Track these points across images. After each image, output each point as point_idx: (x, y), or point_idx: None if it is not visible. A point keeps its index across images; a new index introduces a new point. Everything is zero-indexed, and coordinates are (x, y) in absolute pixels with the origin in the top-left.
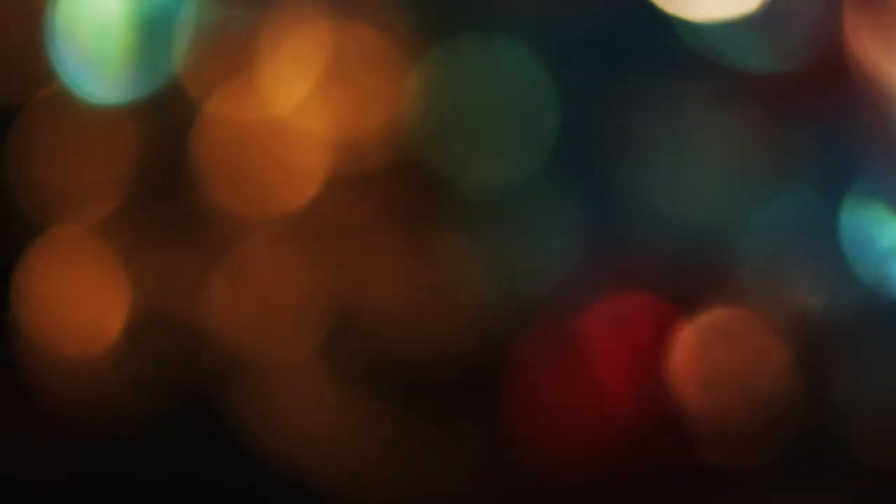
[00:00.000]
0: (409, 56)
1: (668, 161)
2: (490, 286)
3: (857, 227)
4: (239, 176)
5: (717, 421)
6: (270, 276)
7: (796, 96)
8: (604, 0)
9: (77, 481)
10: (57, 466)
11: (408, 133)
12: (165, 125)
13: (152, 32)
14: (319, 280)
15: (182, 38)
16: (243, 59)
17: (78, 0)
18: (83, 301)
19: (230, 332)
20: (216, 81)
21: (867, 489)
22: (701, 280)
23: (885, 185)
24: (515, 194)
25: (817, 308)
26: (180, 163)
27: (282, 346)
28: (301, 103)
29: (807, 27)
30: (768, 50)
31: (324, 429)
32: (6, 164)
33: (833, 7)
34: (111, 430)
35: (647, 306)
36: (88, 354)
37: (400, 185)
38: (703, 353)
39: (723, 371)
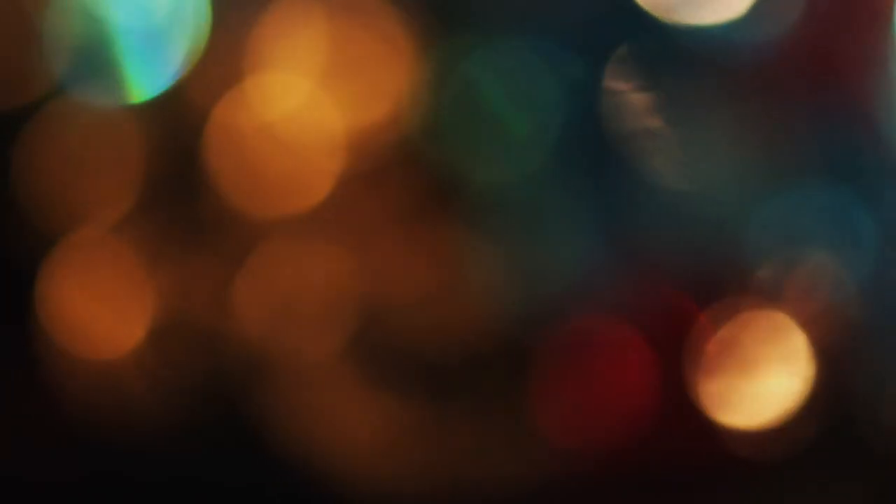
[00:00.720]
0: (417, 53)
1: (680, 157)
2: (507, 283)
3: (867, 218)
4: (254, 177)
5: (737, 415)
6: (290, 276)
7: (800, 89)
8: None
9: (100, 484)
10: (80, 469)
11: (418, 130)
12: (178, 128)
13: (157, 35)
14: (339, 279)
15: (188, 39)
16: (251, 60)
17: (87, 4)
18: (105, 305)
19: (252, 333)
20: (226, 83)
21: (888, 483)
22: (718, 275)
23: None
24: (526, 192)
25: (836, 301)
26: (196, 165)
27: (303, 346)
28: (311, 103)
29: (802, 22)
30: (766, 45)
31: (347, 427)
32: (26, 171)
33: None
34: (135, 433)
35: (664, 301)
36: (111, 358)
37: (414, 183)
38: (721, 348)
39: (742, 365)
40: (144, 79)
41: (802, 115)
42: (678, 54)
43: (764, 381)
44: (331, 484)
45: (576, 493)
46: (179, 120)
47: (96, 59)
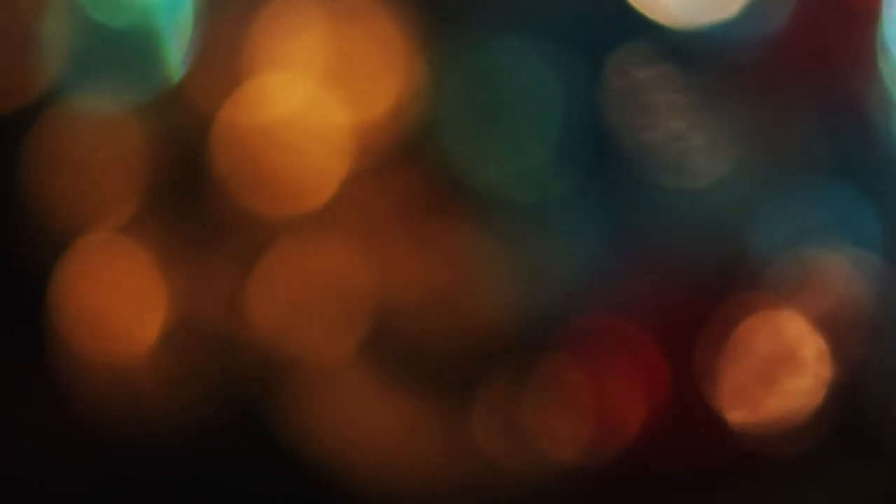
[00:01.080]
0: (422, 52)
1: (683, 155)
2: (516, 281)
3: (873, 212)
4: (264, 177)
5: (749, 413)
6: (301, 276)
7: (799, 85)
8: None
9: (114, 487)
10: (93, 472)
11: (425, 129)
12: (189, 129)
13: (158, 37)
14: (350, 278)
15: (190, 40)
16: (257, 61)
17: (88, 7)
18: (118, 307)
19: (264, 334)
20: (234, 84)
21: None
22: (727, 273)
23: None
24: (534, 190)
25: (847, 298)
26: (208, 167)
27: (316, 346)
28: (319, 103)
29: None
30: (764, 41)
31: (361, 427)
32: (38, 173)
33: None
34: (149, 435)
35: (674, 300)
36: (125, 360)
37: (421, 181)
38: (732, 345)
39: (753, 363)
40: (147, 80)
41: (802, 112)
42: (678, 52)
43: (775, 379)
44: (345, 484)
45: (588, 492)
46: (190, 121)
47: (101, 61)
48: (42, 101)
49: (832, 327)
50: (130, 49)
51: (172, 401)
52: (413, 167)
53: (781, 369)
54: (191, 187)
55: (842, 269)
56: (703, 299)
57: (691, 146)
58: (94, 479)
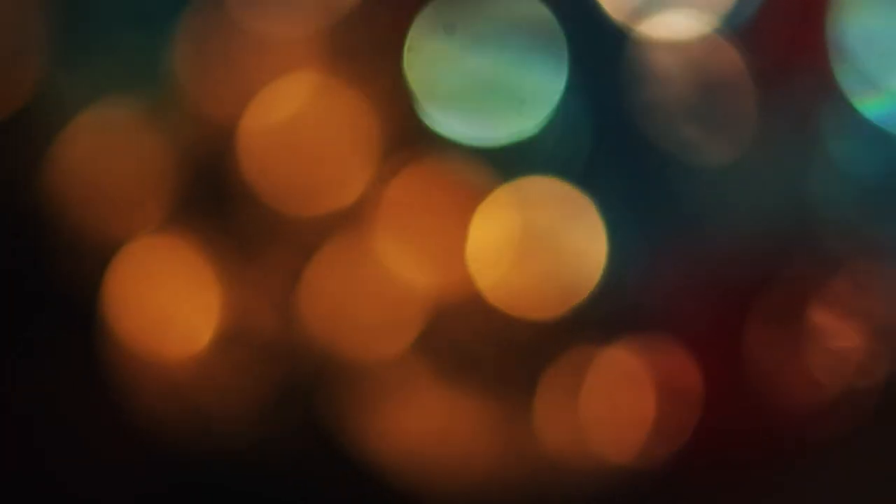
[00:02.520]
0: (430, 45)
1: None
2: (564, 276)
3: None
4: (302, 178)
5: (792, 398)
6: (350, 275)
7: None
8: None
9: (169, 492)
10: (149, 478)
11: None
12: (224, 131)
13: (168, 41)
14: (400, 276)
15: (193, 42)
16: (271, 62)
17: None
18: (169, 311)
19: (317, 336)
20: (251, 86)
21: None
22: (771, 261)
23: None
24: (564, 184)
25: (886, 282)
26: (245, 171)
27: (370, 346)
28: (335, 101)
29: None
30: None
31: (419, 427)
32: (82, 179)
33: None
34: (205, 441)
35: (719, 290)
36: (180, 367)
37: (452, 174)
38: (771, 329)
39: (793, 345)
40: (170, 85)
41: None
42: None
43: (814, 361)
44: (404, 486)
45: (640, 488)
46: (224, 124)
47: (114, 67)
48: (59, 108)
49: (872, 310)
50: (141, 54)
51: (227, 406)
52: (443, 160)
53: (826, 351)
54: (234, 191)
55: (876, 251)
56: (748, 288)
57: (699, 136)
58: (149, 486)
